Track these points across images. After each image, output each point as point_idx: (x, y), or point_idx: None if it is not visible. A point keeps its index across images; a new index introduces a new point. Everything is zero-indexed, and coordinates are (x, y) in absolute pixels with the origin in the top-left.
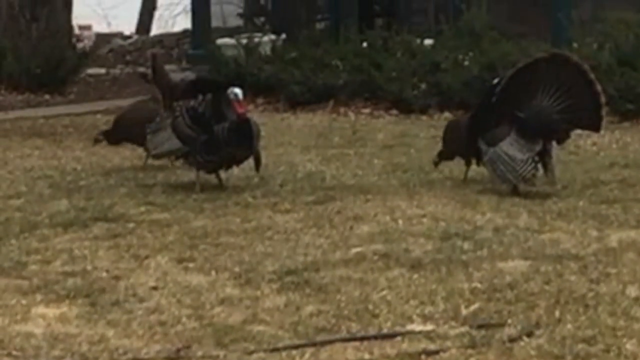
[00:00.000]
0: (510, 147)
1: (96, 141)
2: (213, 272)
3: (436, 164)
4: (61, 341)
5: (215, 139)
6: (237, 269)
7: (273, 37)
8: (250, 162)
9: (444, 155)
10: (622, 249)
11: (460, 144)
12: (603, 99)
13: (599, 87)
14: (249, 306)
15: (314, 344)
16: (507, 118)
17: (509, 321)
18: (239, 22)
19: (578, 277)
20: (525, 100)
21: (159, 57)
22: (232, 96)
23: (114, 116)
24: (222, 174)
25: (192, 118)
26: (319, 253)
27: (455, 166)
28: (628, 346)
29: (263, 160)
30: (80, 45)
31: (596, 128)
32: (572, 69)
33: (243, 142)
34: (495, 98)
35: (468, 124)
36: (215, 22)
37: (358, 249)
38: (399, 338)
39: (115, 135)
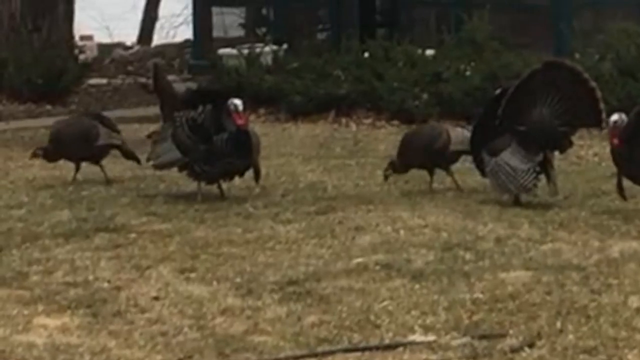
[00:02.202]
0: (512, 158)
1: (34, 155)
2: (214, 283)
3: (387, 177)
4: (63, 352)
5: (214, 150)
6: (238, 279)
7: (274, 47)
8: (251, 172)
9: (397, 168)
10: (623, 260)
11: (418, 155)
12: (599, 94)
13: (593, 84)
14: (250, 316)
15: (315, 355)
16: (509, 128)
17: (511, 332)
18: (241, 32)
19: (580, 287)
20: (526, 114)
21: (161, 67)
22: (232, 107)
23: (51, 131)
24: (223, 184)
25: (191, 128)
26: (321, 263)
27: (457, 176)
28: (630, 357)
29: (264, 170)
30: (81, 55)
31: (597, 124)
32: (565, 73)
33: (242, 153)
34: (498, 120)
35: (471, 135)
36: (216, 33)
37: (360, 260)
38: (400, 349)
39: (53, 152)
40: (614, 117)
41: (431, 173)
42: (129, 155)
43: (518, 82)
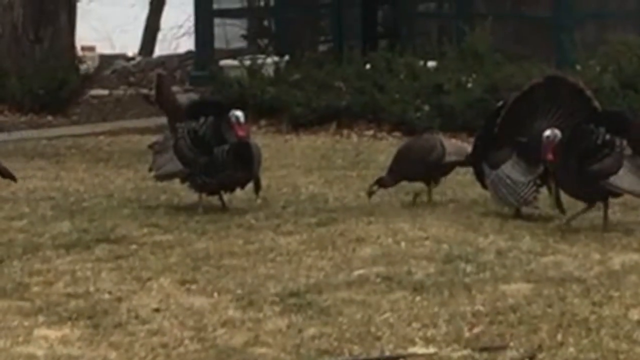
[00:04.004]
0: (512, 170)
1: None
2: (215, 294)
3: (371, 194)
4: None
5: (214, 161)
6: (239, 291)
7: (276, 58)
8: (252, 184)
9: (385, 183)
10: (624, 272)
11: (414, 167)
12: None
13: (597, 103)
14: (251, 328)
15: None
16: (509, 141)
17: (512, 344)
18: (242, 43)
19: (580, 300)
20: (526, 127)
21: (164, 78)
22: (233, 119)
23: None
24: (225, 196)
25: (192, 140)
26: (322, 275)
27: (458, 188)
28: None
29: (265, 182)
30: (83, 66)
31: None
32: (568, 89)
33: (242, 165)
34: (497, 129)
35: (472, 147)
36: (218, 44)
37: (360, 271)
38: None
39: None
40: (547, 132)
41: (428, 185)
42: (4, 174)
43: (518, 94)
